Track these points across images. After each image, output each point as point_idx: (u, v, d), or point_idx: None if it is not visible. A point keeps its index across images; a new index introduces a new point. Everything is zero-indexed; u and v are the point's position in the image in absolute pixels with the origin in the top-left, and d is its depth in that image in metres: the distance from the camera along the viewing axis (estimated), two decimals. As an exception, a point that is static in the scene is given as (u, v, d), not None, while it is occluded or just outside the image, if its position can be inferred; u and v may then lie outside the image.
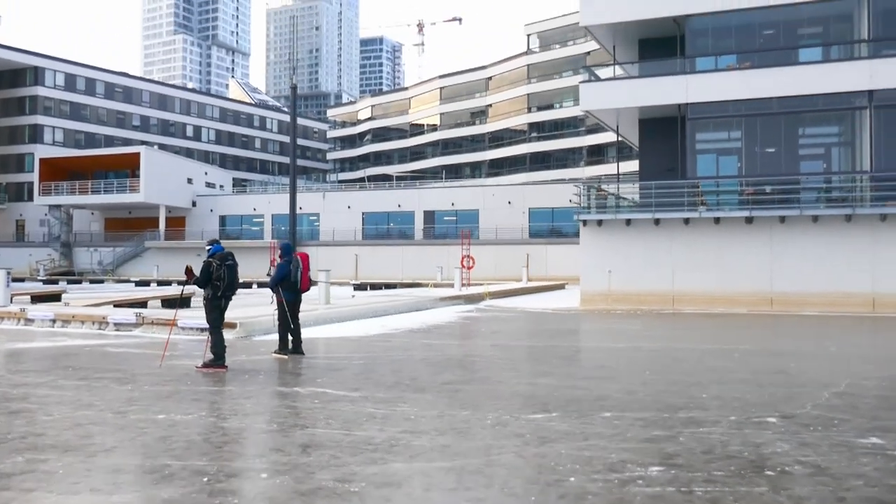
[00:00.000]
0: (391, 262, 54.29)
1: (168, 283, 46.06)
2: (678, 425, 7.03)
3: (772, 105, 24.68)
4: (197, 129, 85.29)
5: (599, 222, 25.47)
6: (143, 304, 22.80)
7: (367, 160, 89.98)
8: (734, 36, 25.66)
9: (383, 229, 58.50)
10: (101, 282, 49.51)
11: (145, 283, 45.02)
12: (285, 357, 11.77)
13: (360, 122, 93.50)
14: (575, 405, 8.02)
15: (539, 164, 71.71)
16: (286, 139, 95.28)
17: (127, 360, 11.79)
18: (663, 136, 27.27)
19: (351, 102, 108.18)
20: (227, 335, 14.41)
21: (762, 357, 12.41)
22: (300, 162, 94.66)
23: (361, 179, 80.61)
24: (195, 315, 16.78)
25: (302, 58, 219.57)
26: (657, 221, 24.80)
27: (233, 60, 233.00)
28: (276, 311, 12.05)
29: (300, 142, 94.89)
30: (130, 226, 62.38)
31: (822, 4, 24.46)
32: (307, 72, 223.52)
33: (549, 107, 72.48)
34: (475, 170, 78.96)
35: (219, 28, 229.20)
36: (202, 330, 15.45)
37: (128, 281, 48.81)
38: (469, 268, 32.32)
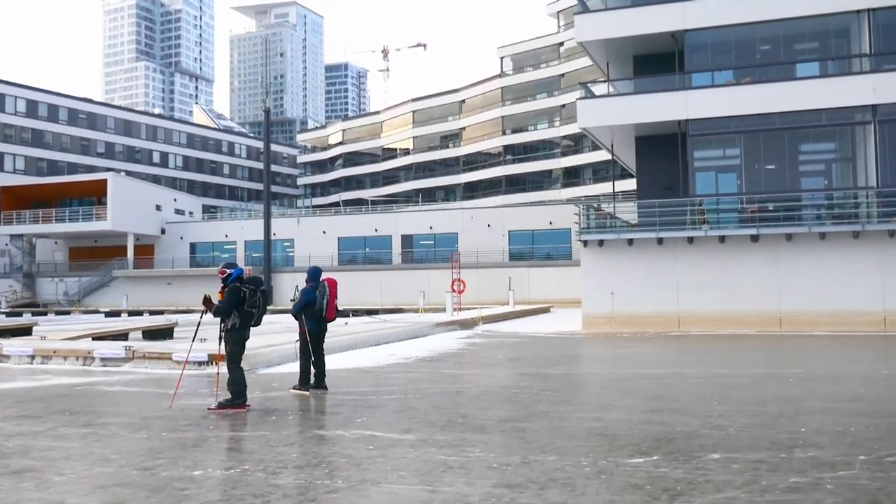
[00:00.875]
0: (369, 287, 52.99)
1: (139, 312, 44.27)
2: (808, 468, 6.06)
3: (773, 120, 24.23)
4: (164, 156, 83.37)
5: (601, 242, 24.66)
6: (124, 336, 21.34)
7: (338, 185, 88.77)
8: (733, 51, 25.26)
9: (360, 254, 57.22)
10: (68, 313, 47.42)
11: (115, 314, 43.18)
12: (307, 393, 10.60)
13: (331, 146, 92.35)
14: (668, 445, 7.01)
15: (515, 186, 71.19)
16: (255, 164, 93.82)
17: (128, 400, 10.51)
18: (660, 154, 26.68)
19: (321, 127, 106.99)
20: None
21: (821, 382, 11.54)
22: (270, 188, 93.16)
23: (336, 204, 79.27)
24: (186, 348, 15.48)
25: (267, 83, 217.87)
26: (660, 241, 24.08)
27: (196, 87, 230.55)
28: (298, 342, 10.88)
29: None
30: (96, 255, 60.16)
31: (821, 19, 24.17)
32: (272, 98, 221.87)
33: (524, 129, 72.18)
34: (449, 193, 78.24)
35: (181, 55, 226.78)
36: (200, 364, 14.21)
37: (96, 312, 46.81)
38: (460, 291, 31.31)
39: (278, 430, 7.98)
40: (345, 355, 16.34)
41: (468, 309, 33.01)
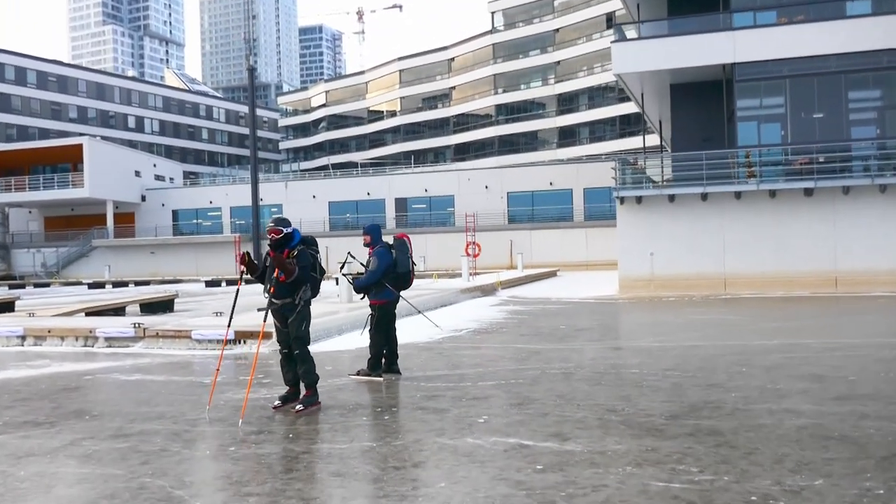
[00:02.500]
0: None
1: (124, 283, 41.74)
2: None
3: (826, 64, 22.22)
4: (139, 120, 79.81)
5: (639, 199, 22.65)
6: (120, 310, 19.05)
7: (322, 149, 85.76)
8: (781, -13, 23.12)
9: (352, 219, 54.81)
10: (47, 285, 44.67)
11: (99, 286, 40.57)
12: (380, 379, 8.54)
13: (313, 108, 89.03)
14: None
15: (507, 147, 68.88)
16: (235, 129, 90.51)
17: (156, 394, 8.35)
18: (697, 103, 24.66)
19: (303, 89, 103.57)
20: (265, 348, 11.13)
21: None
22: (248, 153, 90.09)
23: (325, 167, 76.42)
24: (202, 324, 13.28)
25: (240, 47, 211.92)
26: (705, 196, 22.11)
27: (167, 51, 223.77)
28: (369, 321, 8.77)
29: (245, 131, 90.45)
30: (73, 224, 57.14)
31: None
32: (245, 62, 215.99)
33: (516, 88, 69.64)
34: (439, 156, 75.78)
35: (150, 18, 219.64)
36: (219, 342, 12.06)
37: (78, 283, 44.10)
38: (476, 255, 29.23)
39: (387, 440, 5.90)
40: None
41: (481, 274, 30.96)
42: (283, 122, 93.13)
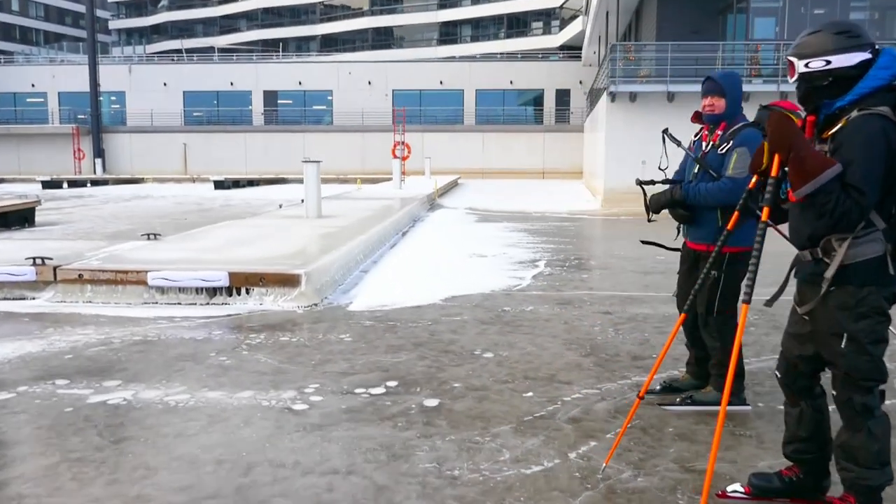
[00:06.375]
0: (232, 153, 44.22)
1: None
2: None
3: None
4: (-72, -19, 65.38)
5: (632, 96, 18.88)
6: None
7: (162, 32, 74.81)
8: None
9: (212, 113, 47.47)
10: None
11: None
12: (748, 408, 4.21)
13: (150, -17, 77.19)
14: None
15: (382, 41, 62.80)
16: (54, 1, 77.12)
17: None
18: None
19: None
20: (286, 302, 6.49)
21: None
22: (71, 32, 77.27)
23: (177, 51, 66.33)
24: (165, 259, 8.10)
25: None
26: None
27: None
28: (715, 285, 4.19)
29: (66, 5, 77.63)
30: None
31: None
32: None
33: (394, -26, 63.07)
34: (302, 47, 68.13)
35: None
36: (210, 291, 7.21)
37: None
38: (404, 158, 24.53)
39: None
40: (421, 275, 9.79)
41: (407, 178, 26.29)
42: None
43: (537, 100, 46.03)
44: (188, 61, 51.22)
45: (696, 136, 4.38)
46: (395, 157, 23.79)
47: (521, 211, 18.60)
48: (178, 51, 62.76)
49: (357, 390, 4.57)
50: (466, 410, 4.20)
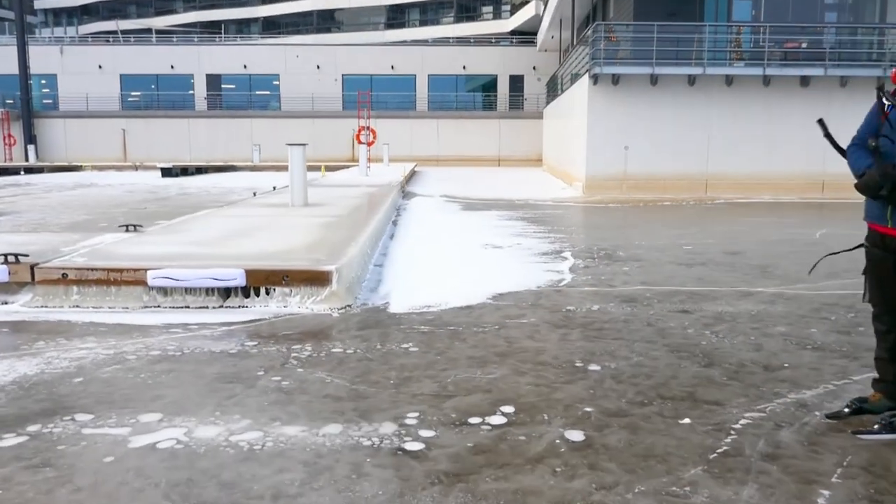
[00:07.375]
0: (174, 140, 42.20)
1: None
2: None
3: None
4: None
5: (615, 79, 18.24)
6: None
7: (92, 13, 71.29)
8: None
9: (152, 98, 45.20)
10: None
11: None
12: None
13: (78, -39, 73.39)
14: None
15: (328, 25, 61.09)
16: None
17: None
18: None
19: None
20: (315, 304, 5.55)
21: None
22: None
23: (112, 32, 63.01)
24: (154, 253, 6.98)
25: None
26: (693, 80, 18.23)
27: None
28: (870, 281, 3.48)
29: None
30: None
31: None
32: None
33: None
34: (243, 30, 65.86)
35: None
36: (222, 292, 6.18)
37: None
38: (370, 143, 23.41)
39: None
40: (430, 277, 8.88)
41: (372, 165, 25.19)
42: (37, -25, 76.17)
43: (491, 85, 45.28)
44: (124, 43, 48.66)
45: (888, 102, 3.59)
46: (360, 142, 22.66)
47: (503, 199, 17.79)
48: (114, 32, 59.72)
49: (472, 420, 3.67)
50: (627, 447, 3.35)
